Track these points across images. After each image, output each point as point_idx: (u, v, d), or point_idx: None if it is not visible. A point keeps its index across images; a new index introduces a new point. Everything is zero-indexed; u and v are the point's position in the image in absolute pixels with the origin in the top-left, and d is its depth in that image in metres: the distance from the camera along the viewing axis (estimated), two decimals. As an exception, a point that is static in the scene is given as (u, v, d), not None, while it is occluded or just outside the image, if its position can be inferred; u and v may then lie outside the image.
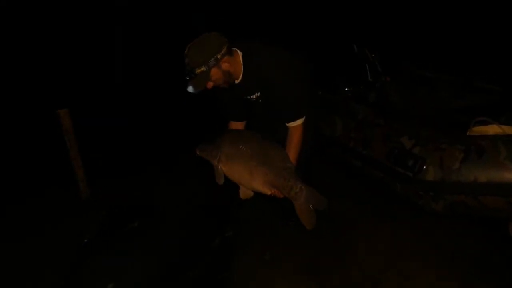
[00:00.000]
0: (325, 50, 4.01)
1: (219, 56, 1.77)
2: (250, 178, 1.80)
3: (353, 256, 2.07)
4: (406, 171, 2.18)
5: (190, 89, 1.80)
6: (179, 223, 2.27)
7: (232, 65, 1.86)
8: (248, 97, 2.05)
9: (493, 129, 2.20)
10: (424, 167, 2.09)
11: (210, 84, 1.84)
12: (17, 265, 2.10)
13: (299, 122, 1.95)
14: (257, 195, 1.91)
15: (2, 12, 6.35)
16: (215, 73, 1.80)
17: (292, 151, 1.94)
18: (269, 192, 1.82)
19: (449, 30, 6.21)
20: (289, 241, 2.01)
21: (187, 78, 1.81)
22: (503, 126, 2.19)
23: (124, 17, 6.77)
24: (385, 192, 2.47)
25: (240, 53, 1.91)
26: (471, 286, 1.79)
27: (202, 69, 1.76)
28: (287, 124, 1.96)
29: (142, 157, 3.53)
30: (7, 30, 6.42)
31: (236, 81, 1.94)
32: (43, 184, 3.04)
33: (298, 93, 1.95)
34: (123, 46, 6.82)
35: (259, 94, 2.01)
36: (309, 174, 2.29)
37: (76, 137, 2.65)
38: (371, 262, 2.00)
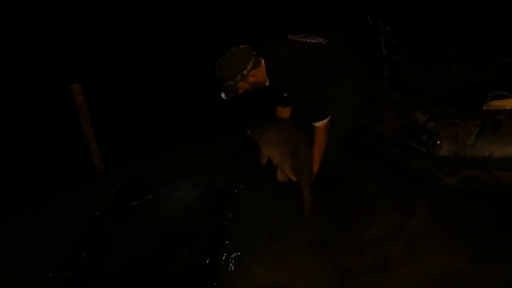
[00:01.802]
0: (338, 22, 3.91)
1: (245, 73, 1.95)
2: (282, 162, 2.12)
3: (361, 234, 2.04)
4: (419, 146, 2.17)
5: (222, 95, 2.04)
6: (182, 201, 2.39)
7: (259, 75, 2.02)
8: (280, 94, 2.23)
9: (510, 103, 2.16)
10: (438, 142, 2.07)
11: (241, 91, 2.05)
12: (27, 234, 2.17)
13: (321, 123, 2.06)
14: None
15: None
16: (242, 85, 2.01)
17: (316, 148, 2.11)
18: (294, 179, 2.10)
19: (464, 2, 6.00)
20: (293, 219, 2.01)
21: (219, 87, 2.03)
22: (521, 101, 2.15)
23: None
24: (397, 168, 2.45)
25: (263, 61, 2.03)
26: (483, 265, 1.77)
27: (230, 83, 1.97)
28: (312, 123, 2.08)
29: (157, 134, 3.56)
30: (17, 8, 6.41)
31: (266, 84, 2.10)
32: (58, 158, 3.08)
33: (317, 97, 2.03)
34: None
35: (286, 94, 2.19)
36: (346, 158, 2.39)
37: (90, 112, 2.68)
38: (382, 241, 1.98)
